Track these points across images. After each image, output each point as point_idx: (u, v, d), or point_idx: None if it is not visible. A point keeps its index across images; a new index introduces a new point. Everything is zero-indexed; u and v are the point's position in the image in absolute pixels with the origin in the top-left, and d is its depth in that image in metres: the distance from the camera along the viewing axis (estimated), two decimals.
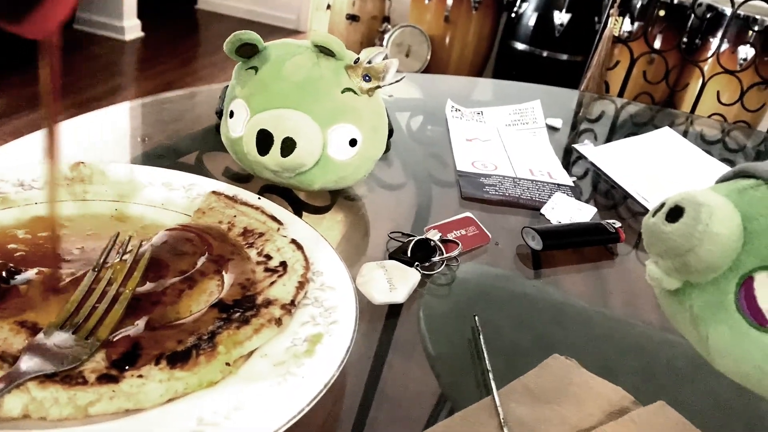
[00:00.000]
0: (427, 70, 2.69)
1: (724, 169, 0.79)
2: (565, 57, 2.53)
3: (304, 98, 0.53)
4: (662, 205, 0.30)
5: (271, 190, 0.60)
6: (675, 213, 0.28)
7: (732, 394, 0.43)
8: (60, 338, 0.34)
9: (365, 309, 0.45)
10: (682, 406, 0.40)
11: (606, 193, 0.73)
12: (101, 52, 2.90)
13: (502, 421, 0.36)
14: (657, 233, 0.29)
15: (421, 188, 0.68)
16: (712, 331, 0.28)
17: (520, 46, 2.63)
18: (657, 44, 1.56)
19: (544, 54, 2.58)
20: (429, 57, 2.71)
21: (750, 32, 1.45)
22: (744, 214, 0.28)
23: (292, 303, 0.39)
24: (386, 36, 2.68)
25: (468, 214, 0.59)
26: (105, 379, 0.32)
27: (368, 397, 0.39)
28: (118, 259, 0.41)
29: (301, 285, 0.41)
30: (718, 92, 1.16)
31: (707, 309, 0.28)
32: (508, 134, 0.82)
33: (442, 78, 1.19)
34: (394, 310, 0.47)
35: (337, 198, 0.63)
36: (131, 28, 3.10)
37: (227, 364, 0.35)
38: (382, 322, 0.46)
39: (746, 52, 1.47)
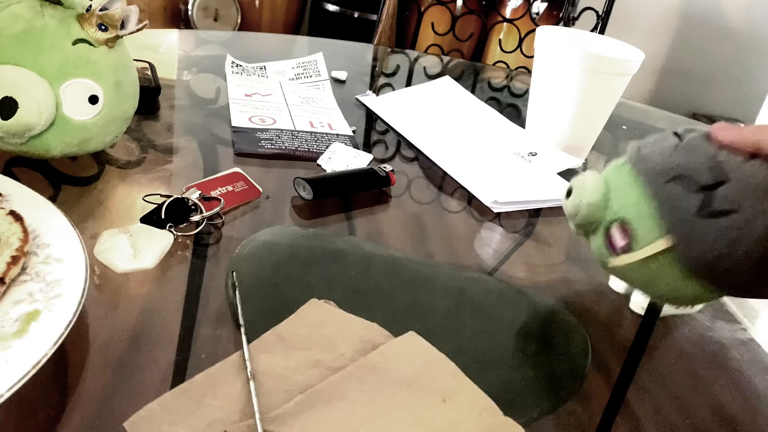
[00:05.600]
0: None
1: (495, 115, 0.83)
2: (374, 17, 2.57)
3: (25, 52, 0.46)
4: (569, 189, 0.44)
5: (24, 163, 0.53)
6: (569, 192, 0.44)
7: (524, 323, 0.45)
8: None
9: (118, 279, 0.42)
10: (486, 335, 0.42)
11: (384, 140, 0.74)
12: None
13: (249, 374, 0.35)
14: (564, 207, 0.45)
15: (200, 148, 0.64)
16: (603, 262, 0.43)
17: (332, 7, 2.62)
18: None
19: (356, 14, 2.59)
20: (239, 20, 2.61)
21: None
22: (611, 184, 0.42)
23: (1, 281, 0.34)
24: (190, 0, 2.53)
25: (236, 169, 0.56)
26: None
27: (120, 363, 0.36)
28: None
29: (15, 260, 0.36)
30: (500, 41, 1.23)
31: (596, 250, 0.44)
32: (290, 88, 0.80)
33: (242, 35, 1.14)
34: (156, 278, 0.43)
35: (105, 166, 0.57)
36: None
37: None
38: (140, 290, 0.42)
39: (538, 6, 1.58)
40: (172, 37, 0.99)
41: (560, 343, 0.45)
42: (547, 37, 0.71)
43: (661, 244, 0.38)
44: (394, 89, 0.88)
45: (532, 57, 0.75)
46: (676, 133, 0.42)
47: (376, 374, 0.36)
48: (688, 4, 2.37)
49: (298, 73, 0.84)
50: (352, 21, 2.60)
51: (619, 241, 0.41)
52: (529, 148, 0.73)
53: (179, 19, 2.50)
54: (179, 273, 0.45)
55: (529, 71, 1.20)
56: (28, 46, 0.47)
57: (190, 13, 2.52)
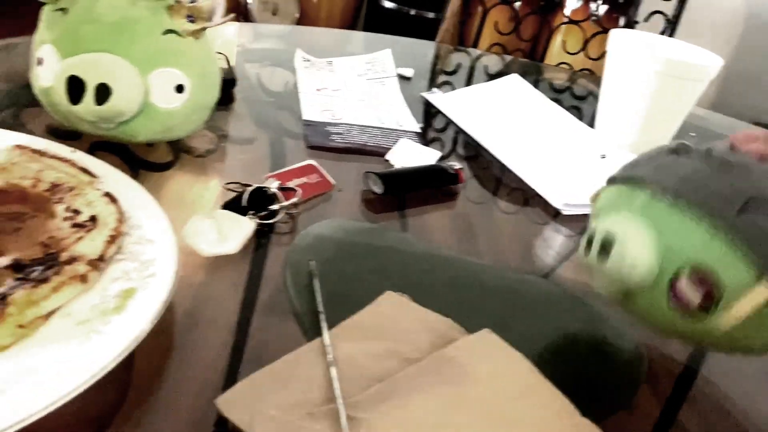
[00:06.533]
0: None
1: (564, 114, 0.83)
2: (431, 15, 2.56)
3: (120, 41, 0.48)
4: (591, 238, 0.38)
5: (105, 147, 0.56)
6: (605, 248, 0.36)
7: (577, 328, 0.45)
8: None
9: (201, 262, 0.43)
10: (535, 339, 0.42)
11: (451, 138, 0.74)
12: None
13: (330, 360, 0.36)
14: (596, 269, 0.38)
15: (270, 140, 0.66)
16: (654, 321, 0.38)
17: (388, 4, 2.63)
18: None
19: (412, 12, 2.60)
20: (298, 15, 2.64)
21: None
22: (657, 227, 0.35)
23: (101, 258, 0.36)
24: None
25: (311, 161, 0.58)
26: None
27: (235, 348, 0.37)
28: None
29: (113, 239, 0.38)
30: (564, 42, 1.22)
31: (649, 309, 0.37)
32: (358, 84, 0.81)
33: (300, 30, 1.16)
34: (239, 262, 0.45)
35: (180, 154, 0.59)
36: None
37: (20, 326, 0.32)
38: (223, 273, 0.43)
39: (598, 6, 1.56)
40: (231, 29, 1.01)
41: (613, 352, 0.44)
42: (622, 39, 0.70)
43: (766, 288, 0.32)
44: (454, 87, 0.88)
45: (597, 59, 0.74)
46: (674, 150, 0.38)
47: (454, 368, 0.36)
48: (755, 9, 2.29)
49: (366, 69, 0.85)
50: (409, 18, 2.61)
51: (694, 294, 0.34)
52: (599, 150, 0.72)
53: (238, 11, 2.55)
54: (250, 260, 0.46)
55: (593, 73, 1.19)
56: (122, 35, 0.49)
57: (249, 6, 2.57)
